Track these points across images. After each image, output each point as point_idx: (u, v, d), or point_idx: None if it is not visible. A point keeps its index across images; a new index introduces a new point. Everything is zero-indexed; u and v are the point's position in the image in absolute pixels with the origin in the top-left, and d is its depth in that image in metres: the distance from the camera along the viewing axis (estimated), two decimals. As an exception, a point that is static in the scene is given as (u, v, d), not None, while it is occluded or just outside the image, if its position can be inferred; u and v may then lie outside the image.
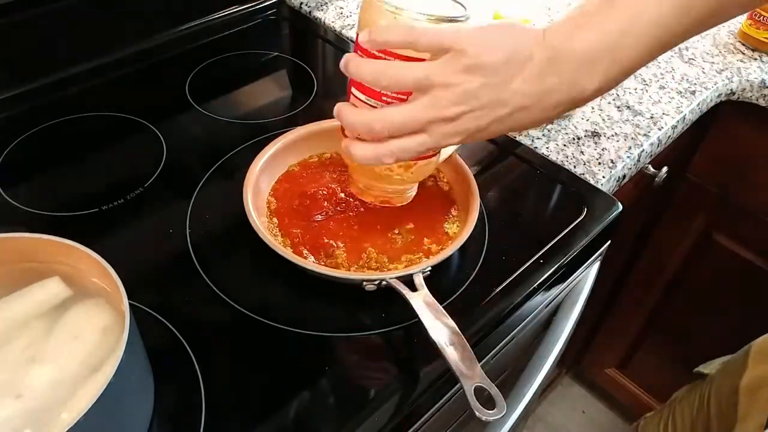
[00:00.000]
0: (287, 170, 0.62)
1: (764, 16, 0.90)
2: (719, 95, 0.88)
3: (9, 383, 0.39)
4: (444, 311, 0.47)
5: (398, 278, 0.50)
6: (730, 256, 1.05)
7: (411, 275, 0.50)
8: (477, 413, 0.42)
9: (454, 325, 0.46)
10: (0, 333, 0.42)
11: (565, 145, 0.73)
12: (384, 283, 0.50)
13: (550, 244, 0.59)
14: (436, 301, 0.48)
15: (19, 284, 0.44)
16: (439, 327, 0.46)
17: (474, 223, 0.54)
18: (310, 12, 0.95)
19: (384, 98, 0.46)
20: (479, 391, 0.43)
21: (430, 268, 0.51)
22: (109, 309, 0.43)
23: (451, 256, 0.52)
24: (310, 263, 0.52)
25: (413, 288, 0.49)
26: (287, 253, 0.51)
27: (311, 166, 0.63)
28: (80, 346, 0.41)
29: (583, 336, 1.33)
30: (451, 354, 0.44)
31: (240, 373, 0.49)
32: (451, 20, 0.46)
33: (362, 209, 0.58)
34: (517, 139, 0.73)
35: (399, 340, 0.51)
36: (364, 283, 0.51)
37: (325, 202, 0.59)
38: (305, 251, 0.54)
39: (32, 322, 0.43)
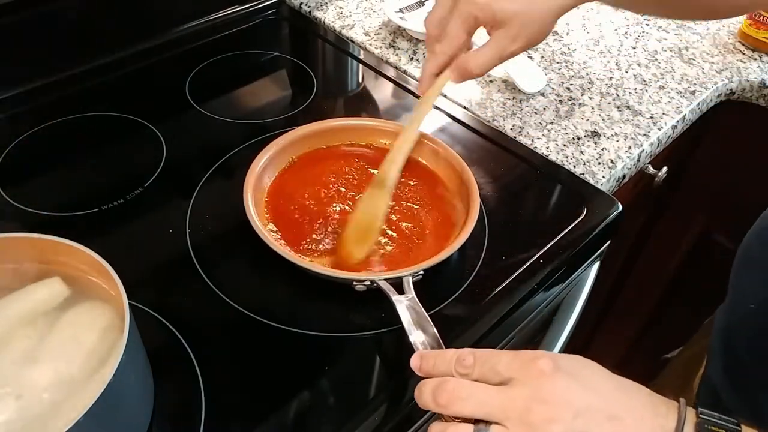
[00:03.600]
0: (286, 166, 0.62)
1: (764, 16, 0.89)
2: (719, 95, 0.88)
3: (9, 384, 0.39)
4: (427, 316, 0.46)
5: (388, 280, 0.50)
6: (730, 257, 1.05)
7: (401, 278, 0.50)
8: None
9: (435, 331, 0.45)
10: (0, 333, 0.42)
11: (565, 145, 0.73)
12: (375, 284, 0.50)
13: (550, 244, 0.59)
14: (420, 306, 0.47)
15: (19, 284, 0.44)
16: (419, 332, 0.45)
17: (474, 224, 0.54)
18: (310, 12, 0.95)
19: None
20: None
21: (422, 272, 0.51)
22: (109, 309, 0.43)
23: (450, 256, 0.52)
24: (306, 262, 0.52)
25: (401, 291, 0.49)
26: (286, 252, 0.51)
27: (309, 160, 0.63)
28: (80, 346, 0.41)
29: (583, 336, 1.33)
30: None
31: (240, 372, 0.49)
32: None
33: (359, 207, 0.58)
34: (517, 139, 0.73)
35: (399, 340, 0.51)
36: (354, 283, 0.51)
37: (322, 198, 0.59)
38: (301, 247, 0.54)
39: (32, 322, 0.43)
